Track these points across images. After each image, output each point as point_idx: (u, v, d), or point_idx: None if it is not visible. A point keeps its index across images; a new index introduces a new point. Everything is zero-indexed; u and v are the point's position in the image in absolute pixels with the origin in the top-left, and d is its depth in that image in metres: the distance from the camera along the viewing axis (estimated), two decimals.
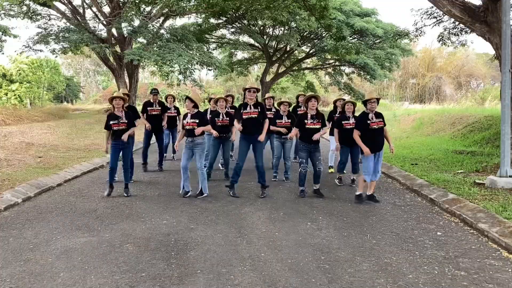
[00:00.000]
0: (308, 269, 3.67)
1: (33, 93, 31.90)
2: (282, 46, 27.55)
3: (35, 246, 4.21)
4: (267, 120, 6.39)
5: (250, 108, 6.23)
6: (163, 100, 9.03)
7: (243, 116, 6.25)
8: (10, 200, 5.77)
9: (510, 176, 6.36)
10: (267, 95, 8.63)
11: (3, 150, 9.49)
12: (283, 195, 6.55)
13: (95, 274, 3.54)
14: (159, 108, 8.42)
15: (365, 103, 6.10)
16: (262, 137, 6.21)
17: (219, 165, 8.55)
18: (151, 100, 8.40)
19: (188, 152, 6.29)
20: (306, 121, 6.23)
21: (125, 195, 6.31)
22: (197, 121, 6.19)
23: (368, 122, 5.92)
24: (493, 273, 3.63)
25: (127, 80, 19.98)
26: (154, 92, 8.45)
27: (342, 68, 28.95)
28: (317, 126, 6.24)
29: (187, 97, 6.35)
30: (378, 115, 6.03)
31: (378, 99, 6.18)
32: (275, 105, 8.56)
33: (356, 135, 6.02)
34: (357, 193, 6.15)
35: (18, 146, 10.32)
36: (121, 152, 6.39)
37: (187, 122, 6.19)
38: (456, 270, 3.69)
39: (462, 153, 9.59)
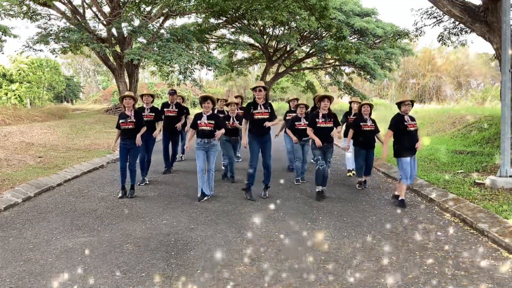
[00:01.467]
0: (308, 269, 3.67)
1: (33, 93, 31.95)
2: (282, 46, 27.56)
3: (35, 246, 4.21)
4: (278, 117, 6.34)
5: (261, 108, 6.05)
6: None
7: (254, 117, 6.04)
8: (10, 200, 5.77)
9: (510, 176, 6.36)
10: (291, 97, 8.57)
11: (3, 150, 9.49)
12: (283, 195, 6.55)
13: (95, 274, 3.54)
14: (176, 109, 8.16)
15: (399, 105, 5.99)
16: (270, 123, 6.00)
17: (222, 166, 8.53)
18: (169, 101, 8.19)
19: (203, 153, 6.15)
20: (317, 120, 6.20)
21: (129, 196, 6.25)
22: (213, 122, 6.10)
23: (405, 123, 5.79)
24: (493, 273, 3.63)
25: (127, 80, 19.98)
26: (171, 92, 8.21)
27: (342, 68, 28.95)
28: (329, 125, 6.18)
29: (208, 97, 6.15)
30: (412, 118, 5.92)
31: (412, 102, 5.97)
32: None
33: (388, 136, 5.88)
34: (400, 198, 5.93)
35: (18, 146, 10.32)
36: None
37: (204, 123, 6.06)
38: (456, 270, 3.69)
39: (462, 153, 9.59)
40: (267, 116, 6.05)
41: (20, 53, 17.82)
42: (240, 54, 32.56)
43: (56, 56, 19.32)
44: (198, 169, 6.09)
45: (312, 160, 7.58)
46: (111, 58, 19.52)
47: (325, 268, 3.71)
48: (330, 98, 6.29)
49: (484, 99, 24.70)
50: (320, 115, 6.23)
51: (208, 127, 6.06)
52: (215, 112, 7.30)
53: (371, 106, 6.96)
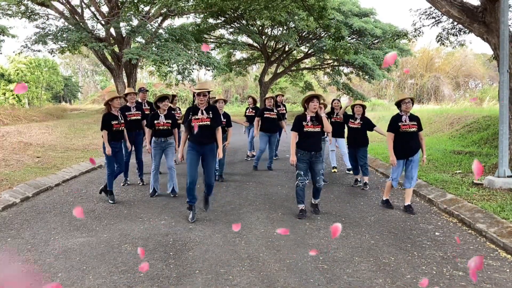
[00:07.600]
0: (307, 269, 3.67)
1: (32, 93, 31.88)
2: (280, 46, 27.57)
3: (33, 246, 4.20)
4: (219, 128, 5.21)
5: (202, 113, 5.05)
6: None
7: (192, 123, 5.00)
8: (8, 200, 5.75)
9: (508, 176, 6.37)
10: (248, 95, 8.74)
11: (1, 150, 9.47)
12: (281, 195, 6.55)
13: (94, 274, 3.54)
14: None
15: (398, 104, 5.78)
16: (221, 153, 5.20)
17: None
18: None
19: (160, 152, 6.31)
20: (304, 123, 5.25)
21: (110, 201, 5.97)
22: (170, 121, 6.24)
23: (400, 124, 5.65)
24: (491, 273, 3.64)
25: (125, 80, 19.96)
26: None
27: (341, 68, 28.98)
28: (318, 129, 5.28)
29: (160, 97, 6.22)
30: (412, 118, 5.77)
31: (412, 99, 5.80)
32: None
33: (389, 137, 5.73)
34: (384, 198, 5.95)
35: (16, 146, 10.29)
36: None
37: (162, 122, 6.17)
38: (454, 270, 3.69)
39: (460, 153, 9.60)
40: (208, 122, 5.05)
41: (18, 53, 17.77)
42: (238, 54, 32.56)
43: (54, 56, 19.31)
44: (153, 168, 6.36)
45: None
46: (109, 58, 19.50)
47: (323, 268, 3.71)
48: (319, 98, 5.35)
49: (482, 99, 24.73)
50: (308, 117, 5.28)
51: (166, 127, 6.21)
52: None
53: (363, 106, 7.09)
